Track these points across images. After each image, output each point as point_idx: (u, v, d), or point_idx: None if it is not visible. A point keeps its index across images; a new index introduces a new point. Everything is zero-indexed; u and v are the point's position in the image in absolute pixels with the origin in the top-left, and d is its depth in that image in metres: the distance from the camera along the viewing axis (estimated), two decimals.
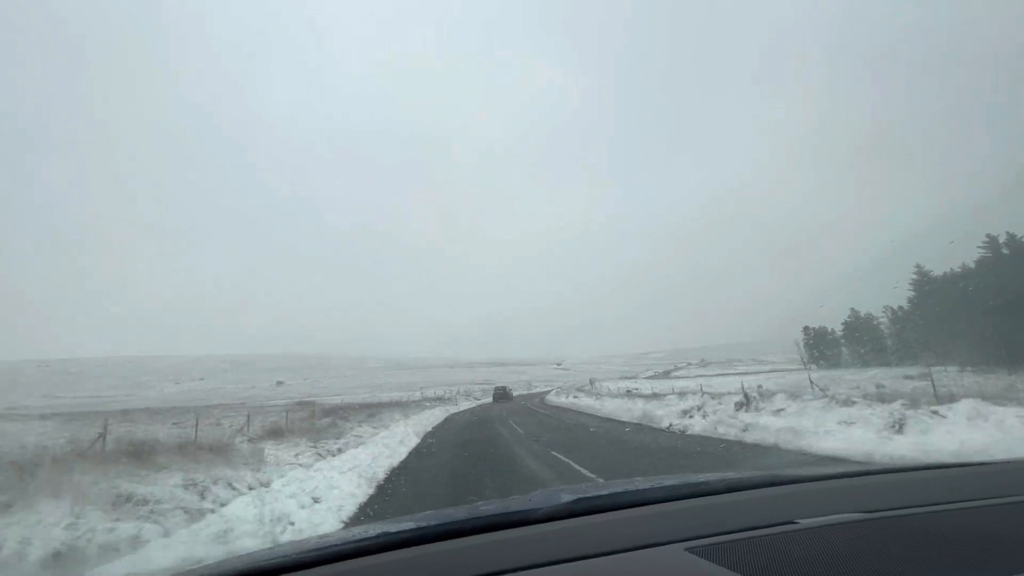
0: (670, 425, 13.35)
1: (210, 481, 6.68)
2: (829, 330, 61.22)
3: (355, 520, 5.95)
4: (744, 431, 10.39)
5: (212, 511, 5.82)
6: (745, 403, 12.18)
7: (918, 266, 51.32)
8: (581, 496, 1.59)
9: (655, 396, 20.77)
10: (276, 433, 13.77)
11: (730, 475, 1.97)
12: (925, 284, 51.30)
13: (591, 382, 45.41)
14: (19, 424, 20.79)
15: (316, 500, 6.60)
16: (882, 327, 55.46)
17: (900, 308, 53.46)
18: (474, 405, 38.83)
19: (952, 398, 8.97)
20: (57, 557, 4.23)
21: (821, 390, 14.26)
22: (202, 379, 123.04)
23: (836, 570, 0.99)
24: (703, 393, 16.42)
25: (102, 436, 8.91)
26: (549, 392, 46.83)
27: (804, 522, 1.23)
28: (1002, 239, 46.54)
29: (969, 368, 31.80)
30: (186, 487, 6.29)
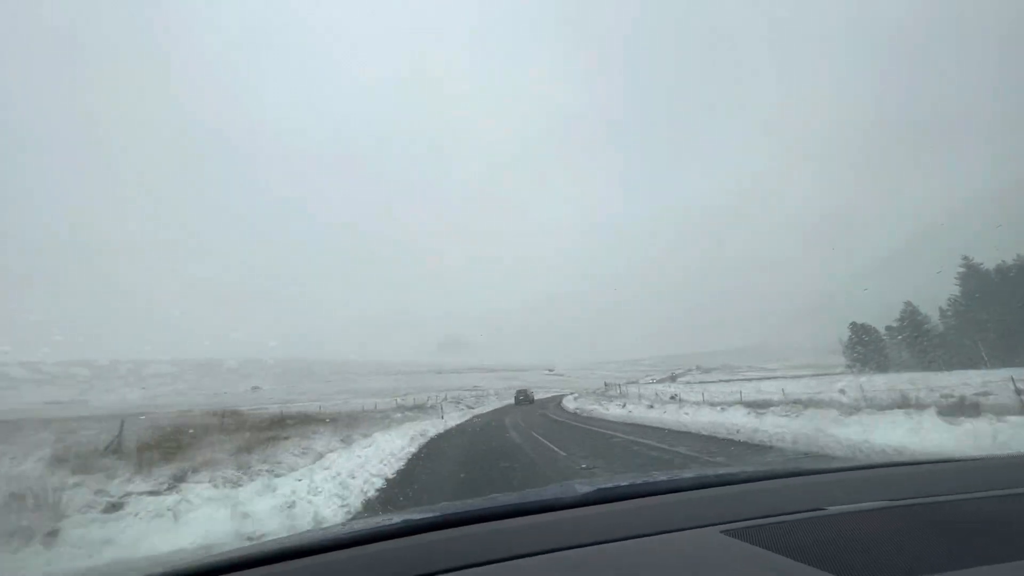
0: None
1: None
2: (870, 328, 54.83)
3: None
4: None
5: None
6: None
7: (965, 258, 46.20)
8: (603, 486, 1.59)
9: (753, 406, 13.81)
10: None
11: (753, 467, 1.98)
12: (973, 277, 46.19)
13: (606, 385, 39.62)
14: None
15: None
16: (936, 325, 49.70)
17: (954, 302, 48.10)
18: (466, 419, 26.63)
19: None
20: None
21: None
22: (163, 384, 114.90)
23: (865, 553, 1.02)
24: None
25: None
26: (563, 397, 41.03)
27: (833, 508, 1.28)
28: None
29: None
30: None
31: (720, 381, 56.48)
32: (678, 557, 1.07)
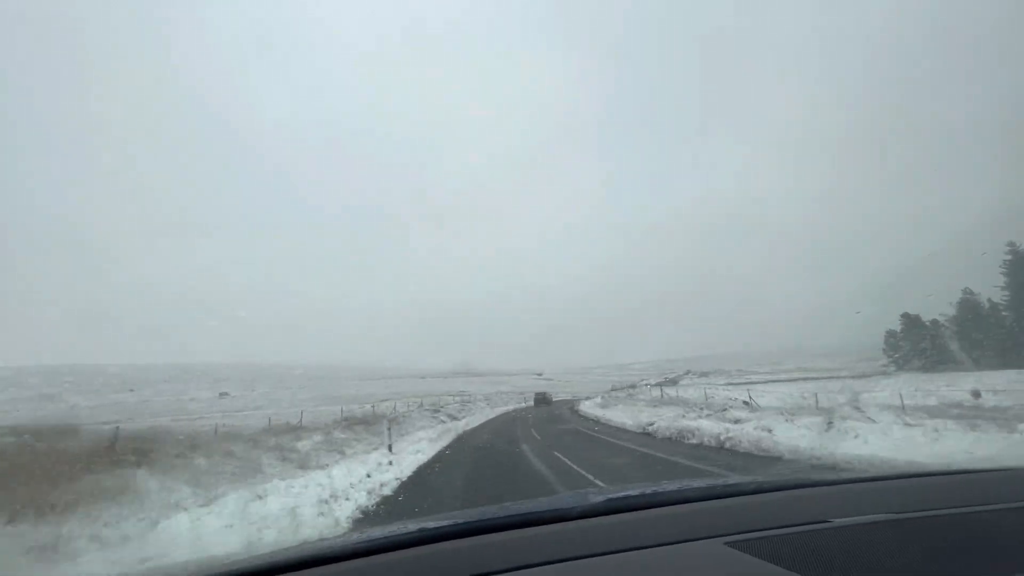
0: None
1: None
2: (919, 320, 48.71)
3: None
4: None
5: None
6: None
7: (1011, 244, 41.75)
8: (613, 496, 1.64)
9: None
10: None
11: (759, 477, 2.08)
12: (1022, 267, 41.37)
13: (612, 387, 34.86)
14: None
15: None
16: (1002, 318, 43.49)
17: (1014, 288, 42.39)
18: (433, 451, 13.87)
19: None
20: None
21: None
22: (132, 390, 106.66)
23: (869, 565, 1.04)
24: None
25: None
26: (578, 402, 36.62)
27: (838, 521, 1.28)
28: None
29: None
30: None
31: (742, 384, 50.00)
32: (681, 569, 1.09)
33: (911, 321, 48.33)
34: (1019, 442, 7.37)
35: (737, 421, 12.57)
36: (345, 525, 6.37)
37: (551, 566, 1.09)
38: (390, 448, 12.58)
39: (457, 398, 46.00)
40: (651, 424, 15.72)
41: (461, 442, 16.81)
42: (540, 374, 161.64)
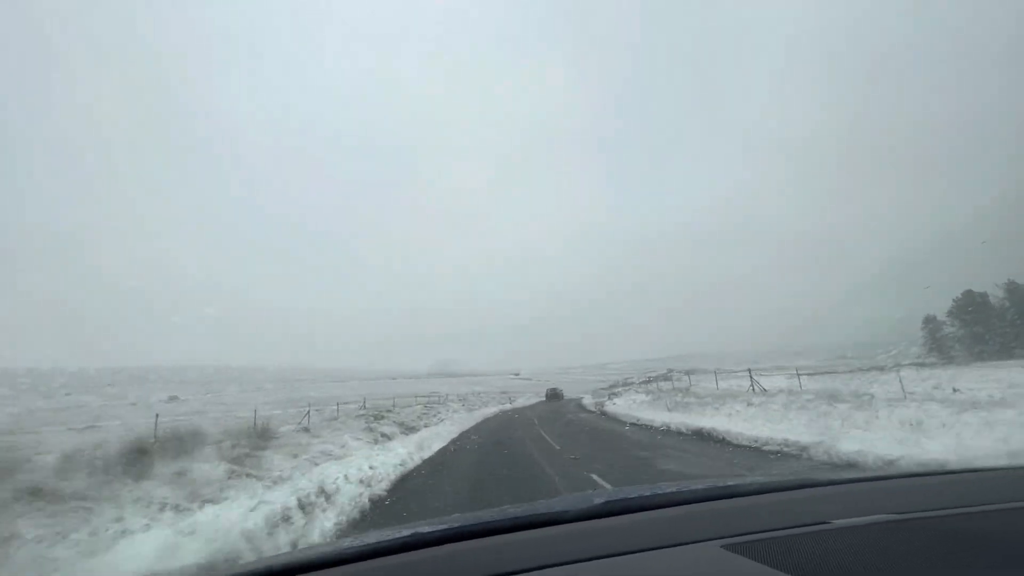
0: None
1: None
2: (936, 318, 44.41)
3: None
4: None
5: None
6: None
7: None
8: (611, 498, 1.62)
9: None
10: None
11: (759, 478, 2.01)
12: None
13: (619, 383, 30.91)
14: None
15: None
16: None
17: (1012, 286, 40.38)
18: (419, 459, 10.77)
19: None
20: None
21: None
22: (68, 394, 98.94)
23: (870, 567, 1.01)
24: None
25: None
26: (582, 400, 35.27)
27: (838, 522, 1.26)
28: None
29: None
30: None
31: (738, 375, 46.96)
32: (677, 572, 1.07)
33: (968, 301, 41.68)
34: None
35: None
36: None
37: (548, 570, 1.08)
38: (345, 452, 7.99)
39: (424, 399, 35.36)
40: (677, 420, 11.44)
41: (448, 456, 11.71)
42: (517, 374, 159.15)
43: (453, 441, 15.08)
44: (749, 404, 13.51)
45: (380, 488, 7.91)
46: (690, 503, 1.59)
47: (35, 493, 6.43)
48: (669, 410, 16.78)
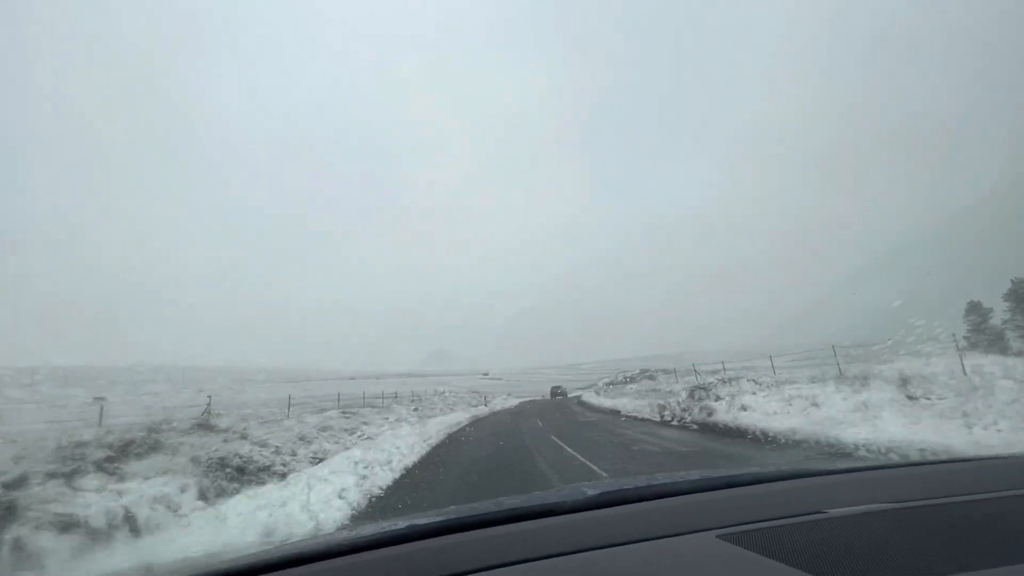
0: None
1: None
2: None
3: None
4: None
5: None
6: None
7: None
8: (606, 489, 1.60)
9: None
10: None
11: (755, 468, 1.97)
12: None
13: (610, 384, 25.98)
14: None
15: None
16: None
17: None
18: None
19: None
20: None
21: None
22: None
23: (866, 557, 1.00)
24: None
25: None
26: (581, 396, 35.03)
27: (834, 512, 1.25)
28: None
29: None
30: None
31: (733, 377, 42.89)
32: (672, 563, 1.07)
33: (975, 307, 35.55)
34: None
35: None
36: None
37: (543, 561, 1.08)
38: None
39: (380, 405, 23.72)
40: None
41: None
42: (486, 374, 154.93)
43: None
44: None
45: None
46: (685, 494, 1.58)
47: None
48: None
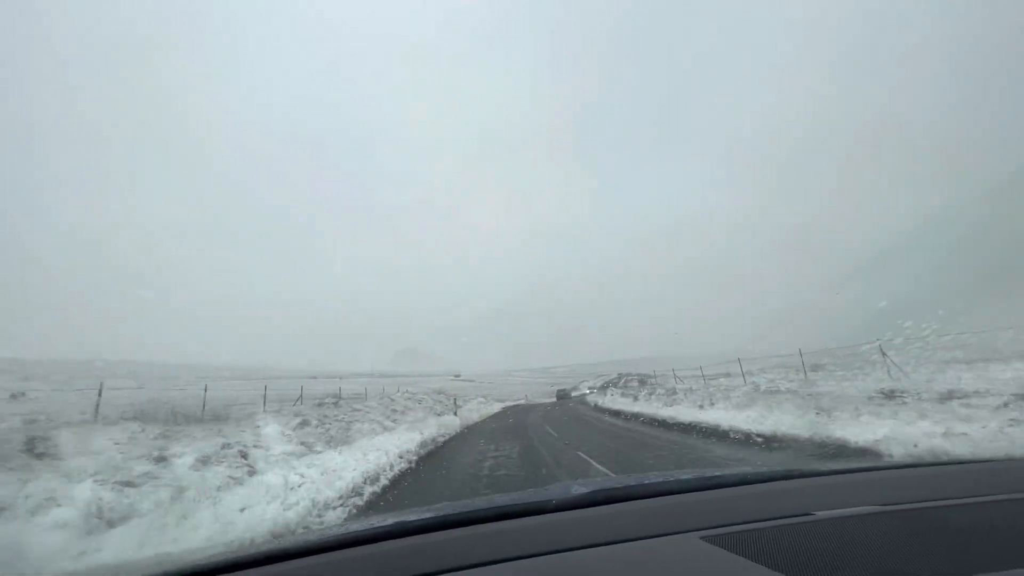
0: None
1: None
2: None
3: None
4: None
5: None
6: None
7: None
8: (595, 488, 1.60)
9: None
10: None
11: (745, 469, 1.97)
12: None
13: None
14: None
15: None
16: None
17: None
18: None
19: None
20: None
21: None
22: None
23: (852, 559, 1.00)
24: None
25: None
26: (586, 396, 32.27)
27: (821, 514, 1.25)
28: None
29: None
30: None
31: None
32: (654, 564, 1.06)
33: None
34: None
35: None
36: None
37: (528, 560, 1.08)
38: None
39: (321, 411, 14.73)
40: None
41: None
42: (458, 375, 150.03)
43: None
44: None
45: None
46: (674, 493, 1.58)
47: None
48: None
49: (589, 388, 57.81)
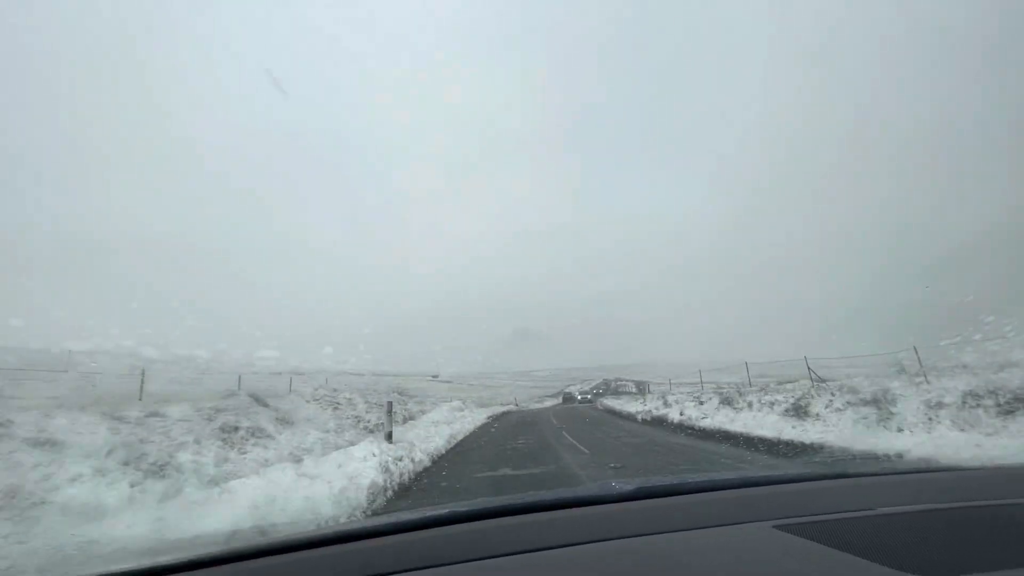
0: None
1: None
2: None
3: None
4: None
5: None
6: None
7: None
8: (644, 484, 1.61)
9: None
10: None
11: (804, 469, 2.13)
12: None
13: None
14: None
15: None
16: None
17: None
18: None
19: None
20: None
21: None
22: None
23: (913, 550, 1.06)
24: None
25: None
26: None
27: (882, 509, 1.32)
28: None
29: None
30: None
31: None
32: (732, 549, 1.10)
33: None
34: None
35: None
36: None
37: (582, 546, 1.10)
38: None
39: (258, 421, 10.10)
40: None
41: None
42: (436, 376, 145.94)
43: None
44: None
45: None
46: (729, 489, 1.61)
47: None
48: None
49: (581, 394, 57.60)
